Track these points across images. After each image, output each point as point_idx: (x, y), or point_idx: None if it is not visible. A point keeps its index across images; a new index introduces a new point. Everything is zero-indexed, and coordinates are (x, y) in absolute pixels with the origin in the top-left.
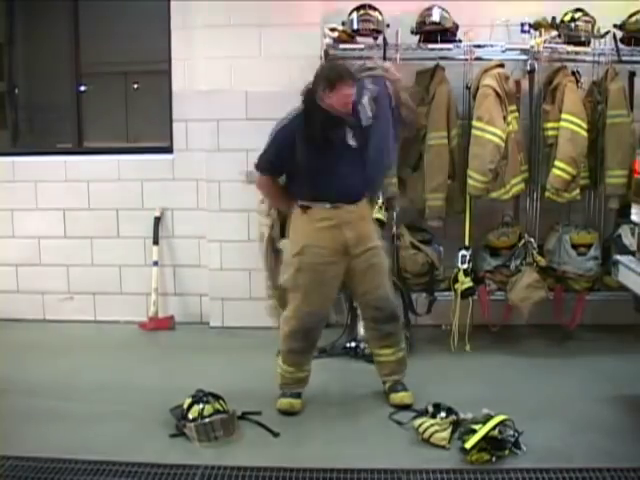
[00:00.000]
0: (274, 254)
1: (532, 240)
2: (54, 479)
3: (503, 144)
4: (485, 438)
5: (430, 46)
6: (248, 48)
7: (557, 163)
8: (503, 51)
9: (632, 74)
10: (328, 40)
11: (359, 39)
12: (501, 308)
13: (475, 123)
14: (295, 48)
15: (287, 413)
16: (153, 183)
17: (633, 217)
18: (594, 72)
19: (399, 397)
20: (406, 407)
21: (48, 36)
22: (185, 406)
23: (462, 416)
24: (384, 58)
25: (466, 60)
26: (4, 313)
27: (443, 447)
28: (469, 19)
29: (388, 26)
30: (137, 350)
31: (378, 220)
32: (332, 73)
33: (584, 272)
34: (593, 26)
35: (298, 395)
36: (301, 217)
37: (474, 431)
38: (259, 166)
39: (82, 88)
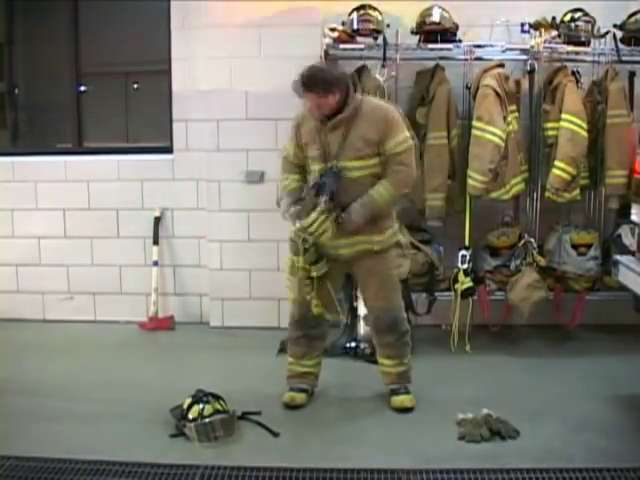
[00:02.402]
0: None
1: (532, 240)
2: (54, 479)
3: (503, 144)
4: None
5: (430, 46)
6: (248, 48)
7: (557, 163)
8: (503, 51)
9: (632, 74)
10: (328, 40)
11: (359, 39)
12: (501, 308)
13: (475, 123)
14: (295, 48)
15: (289, 406)
16: (153, 183)
17: (633, 217)
18: (594, 72)
19: (399, 400)
20: (407, 410)
21: (48, 36)
22: (185, 406)
23: (462, 416)
24: (384, 58)
25: (466, 60)
26: (4, 313)
27: None
28: (469, 19)
29: (388, 26)
30: (137, 350)
31: None
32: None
33: (584, 272)
34: (593, 26)
35: (302, 390)
36: None
37: None
38: None
39: (82, 88)
